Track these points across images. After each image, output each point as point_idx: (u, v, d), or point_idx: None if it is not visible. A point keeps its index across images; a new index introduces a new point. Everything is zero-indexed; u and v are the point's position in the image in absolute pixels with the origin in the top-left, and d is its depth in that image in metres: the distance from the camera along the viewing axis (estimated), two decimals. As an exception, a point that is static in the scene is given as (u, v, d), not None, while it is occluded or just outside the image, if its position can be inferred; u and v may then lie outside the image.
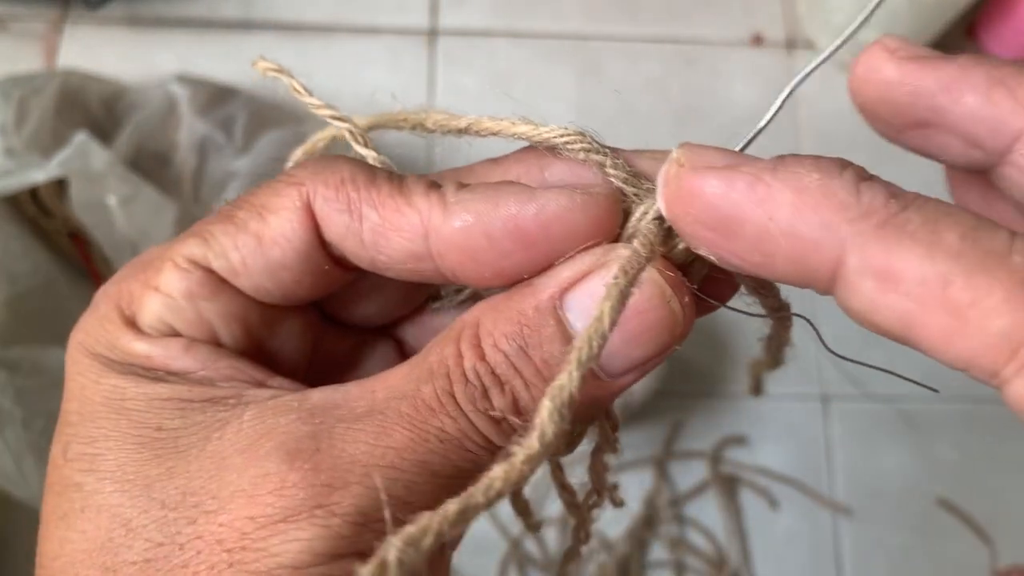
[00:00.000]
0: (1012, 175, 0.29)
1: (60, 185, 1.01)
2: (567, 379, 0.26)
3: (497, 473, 0.25)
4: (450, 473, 0.30)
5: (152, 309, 0.33)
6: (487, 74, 1.29)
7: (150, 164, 1.08)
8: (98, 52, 1.24)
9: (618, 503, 0.40)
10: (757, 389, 0.46)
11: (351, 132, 0.36)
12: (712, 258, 0.28)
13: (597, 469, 0.38)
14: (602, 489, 0.38)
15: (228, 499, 0.29)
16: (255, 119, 1.11)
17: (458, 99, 1.26)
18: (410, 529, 0.23)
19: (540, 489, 1.10)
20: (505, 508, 1.17)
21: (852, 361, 0.36)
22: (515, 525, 1.12)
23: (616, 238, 0.31)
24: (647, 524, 1.15)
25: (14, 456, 0.87)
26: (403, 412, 0.30)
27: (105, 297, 0.34)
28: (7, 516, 0.98)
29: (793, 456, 1.18)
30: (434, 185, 0.32)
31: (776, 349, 0.39)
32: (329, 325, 0.39)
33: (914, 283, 0.23)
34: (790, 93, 0.32)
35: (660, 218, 0.31)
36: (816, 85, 1.30)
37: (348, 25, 1.29)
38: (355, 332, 0.39)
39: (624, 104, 1.28)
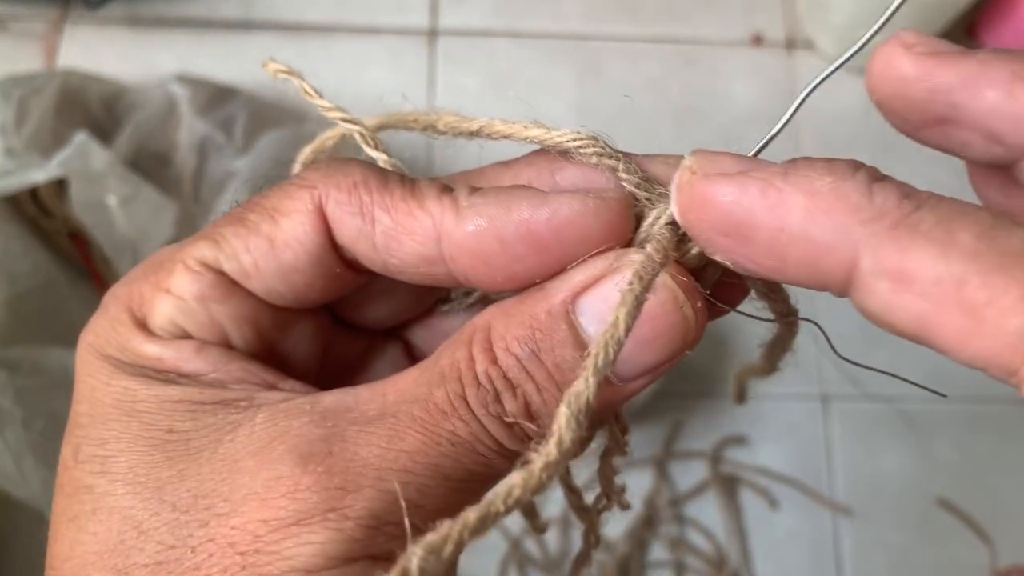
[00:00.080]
0: None
1: (60, 185, 1.01)
2: (584, 385, 0.26)
3: (516, 481, 0.25)
4: (462, 477, 0.30)
5: (163, 311, 0.33)
6: (487, 74, 1.29)
7: (150, 164, 1.08)
8: (98, 52, 1.24)
9: (625, 506, 0.40)
10: (741, 396, 0.46)
11: (361, 135, 0.35)
12: (727, 263, 0.28)
13: (606, 472, 0.37)
14: (611, 492, 0.38)
15: (240, 502, 0.29)
16: (255, 119, 1.11)
17: (458, 99, 1.26)
18: (431, 537, 0.23)
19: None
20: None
21: (862, 366, 0.36)
22: (515, 525, 1.12)
23: (628, 243, 0.31)
24: (647, 524, 1.15)
25: (14, 456, 0.87)
26: (415, 415, 0.30)
27: (115, 299, 0.34)
28: (7, 516, 0.98)
29: (793, 456, 1.18)
30: (446, 189, 0.32)
31: (777, 354, 0.39)
32: (339, 327, 0.39)
33: (929, 283, 0.23)
34: (804, 99, 0.32)
35: (673, 223, 0.31)
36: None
37: (348, 25, 1.29)
38: (364, 334, 0.39)
39: (624, 104, 1.28)
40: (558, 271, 0.31)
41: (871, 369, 0.37)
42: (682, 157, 0.33)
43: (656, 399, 1.14)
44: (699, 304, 0.30)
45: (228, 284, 0.33)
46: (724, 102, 1.29)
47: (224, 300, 0.33)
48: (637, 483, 1.16)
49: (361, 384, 0.32)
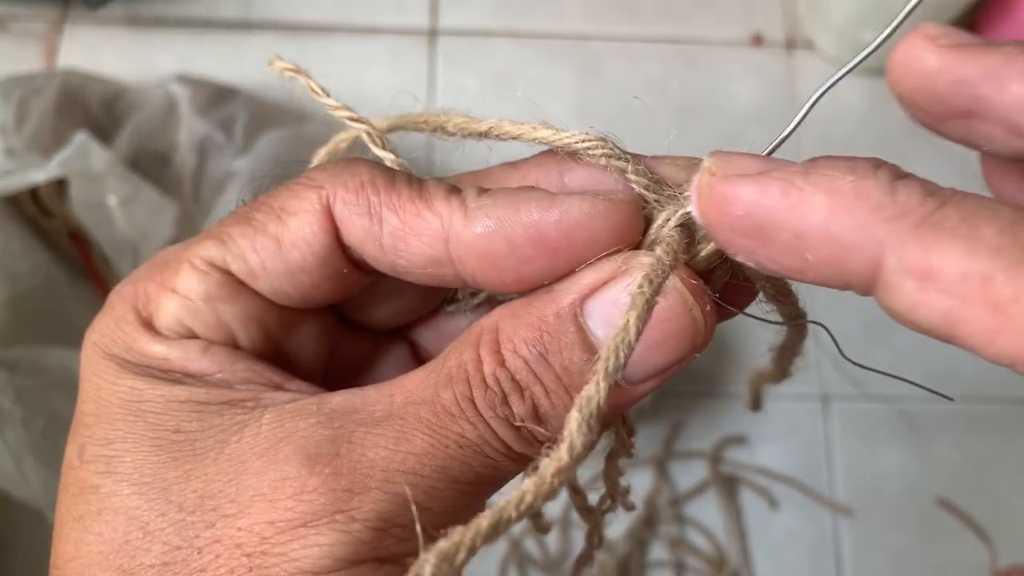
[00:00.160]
0: None
1: (60, 185, 1.01)
2: (595, 390, 0.26)
3: (528, 487, 0.25)
4: (470, 479, 0.30)
5: (169, 311, 0.33)
6: (487, 74, 1.29)
7: (150, 164, 1.08)
8: (98, 52, 1.24)
9: (629, 507, 0.40)
10: (756, 403, 0.46)
11: (369, 134, 0.35)
12: (749, 263, 0.28)
13: (611, 474, 0.37)
14: (616, 494, 0.38)
15: (247, 503, 0.29)
16: (255, 119, 1.10)
17: (458, 99, 1.26)
18: (443, 544, 0.23)
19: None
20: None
21: (868, 368, 0.36)
22: (515, 525, 1.12)
23: (638, 245, 0.31)
24: (647, 524, 1.15)
25: (14, 456, 0.87)
26: (423, 417, 0.30)
27: (120, 298, 0.34)
28: (7, 516, 0.98)
29: (793, 456, 1.18)
30: (454, 190, 0.32)
31: (787, 359, 0.39)
32: (345, 327, 0.39)
33: (955, 281, 0.23)
34: (814, 103, 0.32)
35: (682, 225, 0.31)
36: (816, 84, 1.30)
37: (348, 25, 1.29)
38: (370, 334, 0.39)
39: (624, 104, 1.28)
40: (567, 273, 0.31)
41: (877, 372, 0.37)
42: (691, 158, 0.33)
43: (656, 399, 1.14)
44: (708, 307, 0.30)
45: (235, 284, 0.33)
46: (724, 102, 1.29)
47: (231, 300, 0.33)
48: (637, 483, 1.15)
49: (367, 384, 0.32)
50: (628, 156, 0.32)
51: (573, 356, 0.30)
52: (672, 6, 1.33)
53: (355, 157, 0.34)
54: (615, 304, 0.29)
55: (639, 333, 0.27)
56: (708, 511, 1.16)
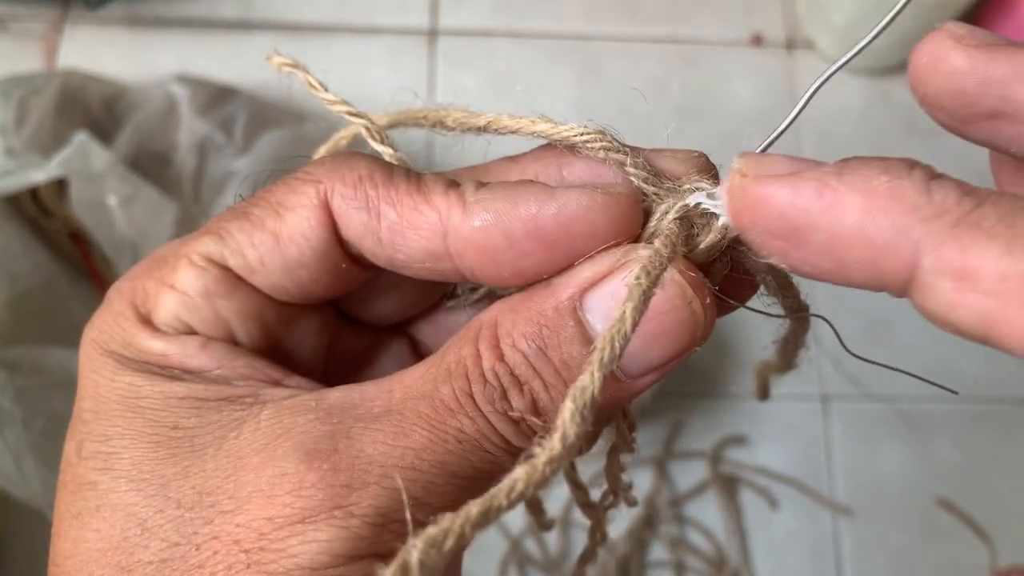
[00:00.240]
0: None
1: (60, 185, 1.01)
2: (589, 380, 0.26)
3: (519, 475, 0.25)
4: (469, 474, 0.30)
5: (168, 307, 0.33)
6: (487, 74, 1.29)
7: (150, 164, 1.08)
8: (98, 52, 1.24)
9: (632, 503, 0.40)
10: (764, 393, 0.45)
11: (367, 128, 0.35)
12: (782, 266, 0.28)
13: (613, 469, 0.37)
14: (618, 489, 0.38)
15: (245, 499, 0.29)
16: (255, 119, 1.10)
17: (458, 99, 1.25)
18: (432, 531, 0.23)
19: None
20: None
21: (869, 362, 0.36)
22: (515, 525, 1.12)
23: (637, 238, 0.31)
24: (647, 524, 1.15)
25: (14, 456, 0.87)
26: (421, 412, 0.30)
27: (119, 294, 0.34)
28: (7, 516, 0.98)
29: (793, 456, 1.18)
30: (453, 184, 0.32)
31: (791, 352, 0.39)
32: (344, 323, 0.38)
33: (994, 280, 0.23)
34: (808, 100, 0.31)
35: (681, 217, 0.31)
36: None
37: (348, 25, 1.29)
38: (370, 330, 0.39)
39: (624, 104, 1.28)
40: (565, 266, 0.31)
41: (878, 364, 0.36)
42: (690, 151, 0.33)
43: (656, 399, 1.14)
44: (708, 300, 0.30)
45: (233, 280, 0.33)
46: (724, 102, 1.29)
47: (229, 296, 0.33)
48: (637, 483, 1.15)
49: (367, 380, 0.32)
50: (627, 149, 0.32)
51: (572, 350, 0.30)
52: (672, 6, 1.33)
53: (353, 152, 0.34)
54: (613, 297, 0.29)
55: (635, 324, 0.27)
56: (708, 511, 1.16)
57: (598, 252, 0.30)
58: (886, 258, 0.25)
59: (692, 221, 0.31)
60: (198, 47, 1.26)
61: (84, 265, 1.07)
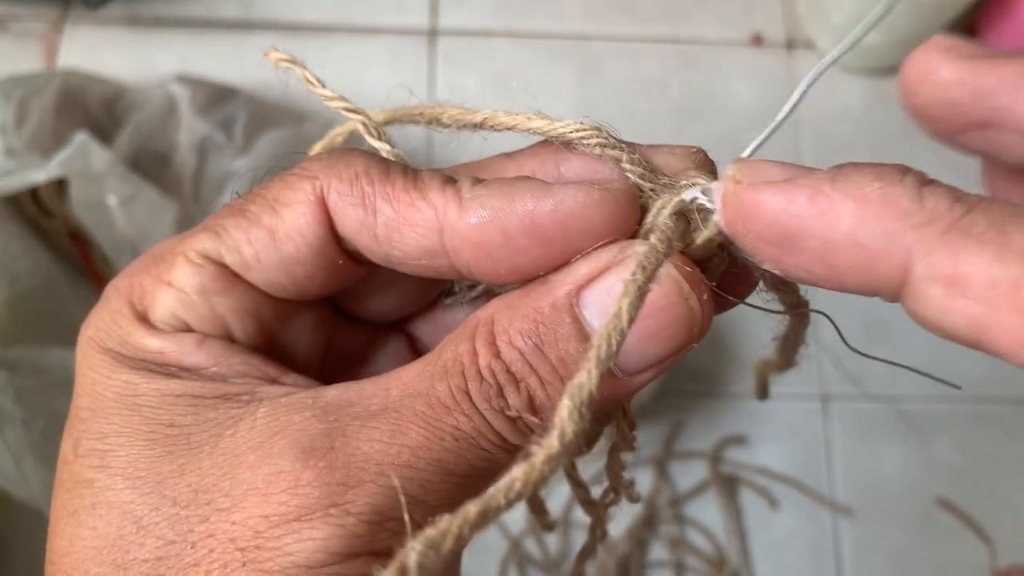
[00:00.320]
0: None
1: (60, 185, 1.01)
2: (586, 377, 0.26)
3: (517, 474, 0.24)
4: (465, 472, 0.30)
5: (164, 304, 0.33)
6: (487, 74, 1.29)
7: (150, 164, 1.08)
8: (98, 52, 1.24)
9: (635, 499, 0.40)
10: (764, 392, 0.45)
11: (364, 125, 0.35)
12: (776, 271, 0.28)
13: (614, 467, 0.37)
14: (619, 487, 0.38)
15: (241, 497, 0.29)
16: (255, 119, 1.10)
17: (458, 99, 1.25)
18: (430, 532, 0.23)
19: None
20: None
21: (870, 357, 0.36)
22: (515, 525, 1.12)
23: (634, 234, 0.31)
24: (647, 524, 1.15)
25: (14, 456, 0.87)
26: (418, 410, 0.30)
27: (116, 292, 0.34)
28: (7, 516, 0.98)
29: (793, 456, 1.18)
30: (449, 180, 0.31)
31: (791, 348, 0.38)
32: (341, 320, 0.38)
33: (984, 287, 0.23)
34: (800, 97, 0.31)
35: (678, 213, 0.30)
36: (816, 85, 1.30)
37: (348, 25, 1.29)
38: (367, 327, 0.39)
39: (624, 104, 1.28)
40: (562, 263, 0.30)
41: (878, 360, 0.36)
42: (687, 147, 0.33)
43: (656, 399, 1.14)
44: (705, 296, 0.30)
45: (229, 276, 0.33)
46: (724, 102, 1.29)
47: (225, 292, 0.33)
48: (637, 483, 1.15)
49: (364, 377, 0.32)
50: (623, 145, 0.32)
51: (569, 347, 0.30)
52: (672, 6, 1.33)
53: (350, 148, 0.34)
54: (610, 294, 0.29)
55: (631, 320, 0.27)
56: (708, 511, 1.16)
57: (595, 249, 0.30)
58: (879, 264, 0.25)
59: (689, 217, 0.31)
60: (198, 47, 1.26)
61: (84, 265, 1.07)
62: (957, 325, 0.24)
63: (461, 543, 0.23)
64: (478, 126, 0.34)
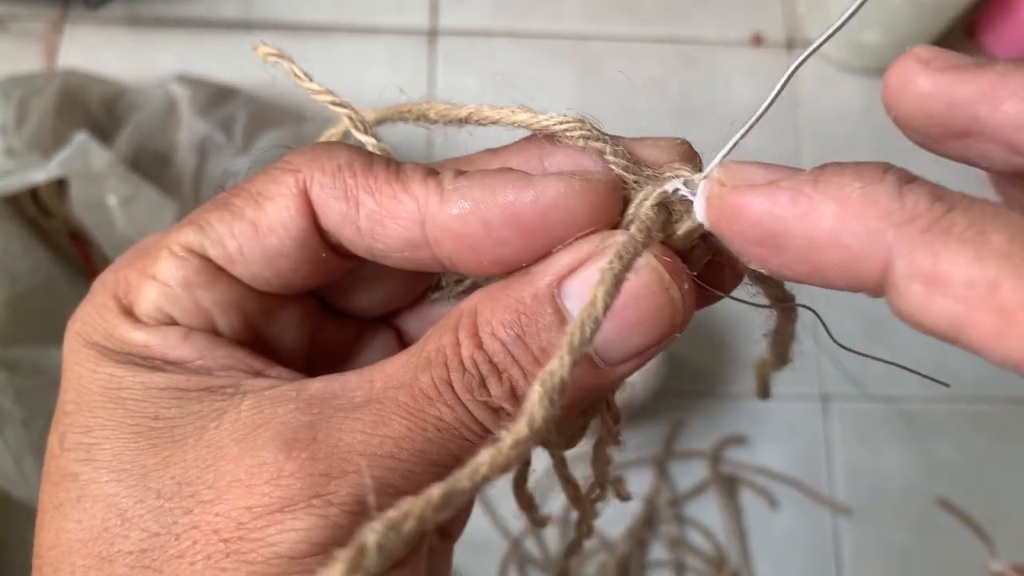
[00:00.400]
0: None
1: (60, 185, 1.01)
2: (558, 364, 0.25)
3: (483, 458, 0.24)
4: (448, 463, 0.30)
5: (149, 298, 0.33)
6: (487, 74, 1.29)
7: (150, 164, 1.08)
8: (98, 52, 1.24)
9: (625, 497, 0.40)
10: (765, 391, 0.45)
11: (351, 118, 0.35)
12: (763, 270, 0.28)
13: (600, 462, 0.37)
14: (605, 482, 0.38)
15: (224, 489, 0.29)
16: (255, 119, 1.11)
17: (458, 99, 1.25)
18: (391, 513, 0.22)
19: (539, 488, 1.09)
20: (505, 507, 1.17)
21: (862, 354, 0.36)
22: (515, 525, 1.12)
23: (616, 225, 0.31)
24: (647, 524, 1.15)
25: (14, 456, 0.87)
26: (401, 401, 0.30)
27: (102, 286, 0.34)
28: (7, 516, 0.98)
29: (793, 456, 1.18)
30: (432, 172, 0.31)
31: (782, 344, 0.38)
32: (329, 315, 0.38)
33: (962, 286, 0.23)
34: (783, 86, 0.31)
35: (660, 204, 0.31)
36: (816, 85, 1.30)
37: (348, 25, 1.29)
38: (356, 322, 0.39)
39: (624, 104, 1.28)
40: (545, 254, 0.30)
41: (869, 357, 0.37)
42: (672, 139, 0.33)
43: (656, 399, 1.14)
44: (686, 286, 0.30)
45: (213, 270, 0.33)
46: (724, 102, 1.29)
47: (209, 286, 0.33)
48: (637, 483, 1.15)
49: (350, 371, 0.32)
50: (606, 137, 0.32)
51: (551, 337, 0.30)
52: (672, 6, 1.33)
53: (334, 141, 0.34)
54: (590, 283, 0.29)
55: (607, 308, 0.27)
56: (708, 511, 1.16)
57: (576, 239, 0.30)
58: (861, 263, 0.25)
59: (671, 208, 0.31)
60: (198, 47, 1.26)
61: (84, 265, 1.07)
62: (937, 323, 0.24)
63: (423, 525, 0.23)
64: (464, 121, 0.34)
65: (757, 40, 1.32)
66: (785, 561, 1.14)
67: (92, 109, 1.09)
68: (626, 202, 0.31)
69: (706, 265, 0.33)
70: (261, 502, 0.28)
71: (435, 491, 0.23)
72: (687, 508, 1.16)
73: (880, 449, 1.18)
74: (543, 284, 0.30)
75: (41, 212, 1.04)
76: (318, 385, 0.31)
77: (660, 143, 0.33)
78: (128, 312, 0.33)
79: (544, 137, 0.33)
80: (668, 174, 0.31)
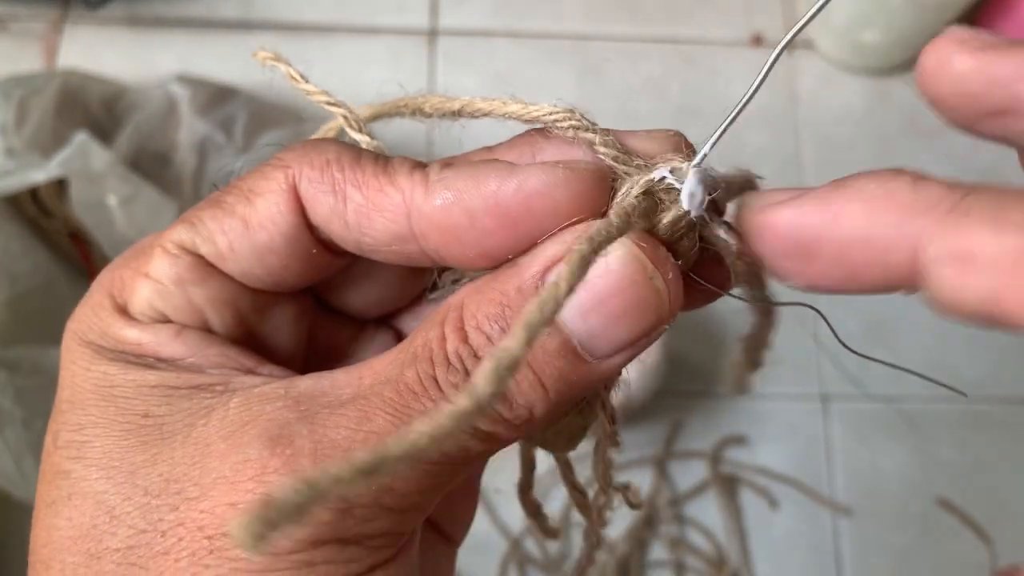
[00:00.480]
0: None
1: (60, 185, 1.01)
2: (512, 341, 0.25)
3: (420, 427, 0.24)
4: (435, 458, 0.30)
5: (142, 295, 0.33)
6: (487, 74, 1.29)
7: (150, 164, 1.09)
8: (98, 52, 1.24)
9: (636, 504, 0.39)
10: (740, 388, 0.45)
11: (345, 117, 0.35)
12: (799, 287, 0.29)
13: (601, 465, 0.37)
14: (608, 486, 0.38)
15: (210, 486, 0.29)
16: (255, 119, 1.11)
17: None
18: (311, 472, 0.22)
19: (539, 489, 1.09)
20: (504, 508, 1.17)
21: (867, 358, 0.36)
22: (515, 525, 1.12)
23: (604, 215, 0.31)
24: (647, 524, 1.15)
25: (14, 456, 0.87)
26: (386, 397, 0.29)
27: (99, 285, 0.34)
28: (7, 516, 0.98)
29: (793, 456, 1.18)
30: (418, 165, 0.31)
31: (756, 350, 0.38)
32: (328, 316, 0.38)
33: (990, 259, 0.24)
34: (761, 81, 0.32)
35: (646, 193, 0.30)
36: (816, 85, 1.30)
37: (348, 25, 1.29)
38: (354, 323, 0.39)
39: (624, 104, 1.28)
40: (532, 245, 0.30)
41: (875, 360, 0.37)
42: (665, 130, 0.33)
43: (656, 399, 1.13)
44: (671, 275, 0.30)
45: (205, 267, 0.33)
46: (724, 102, 1.29)
47: (201, 283, 0.33)
48: (637, 483, 1.15)
49: (340, 368, 0.32)
50: (596, 128, 0.32)
51: None
52: (672, 6, 1.33)
53: (325, 138, 0.34)
54: None
55: (571, 288, 0.26)
56: (708, 511, 1.16)
57: (563, 229, 0.30)
58: (891, 256, 0.26)
59: (658, 198, 0.31)
60: (198, 47, 1.26)
61: (84, 265, 1.07)
62: (972, 301, 0.25)
63: (342, 488, 0.22)
64: (457, 113, 0.34)
65: (757, 40, 1.32)
66: (785, 561, 1.14)
67: (92, 109, 1.09)
68: (615, 193, 0.31)
69: (704, 262, 0.32)
70: (245, 498, 0.28)
71: (361, 455, 0.22)
72: (687, 508, 1.16)
73: (880, 449, 1.18)
74: (528, 276, 0.30)
75: (41, 212, 1.04)
76: (307, 382, 0.31)
77: (652, 134, 0.33)
78: (122, 310, 0.33)
79: (537, 131, 0.33)
80: (660, 164, 0.31)
